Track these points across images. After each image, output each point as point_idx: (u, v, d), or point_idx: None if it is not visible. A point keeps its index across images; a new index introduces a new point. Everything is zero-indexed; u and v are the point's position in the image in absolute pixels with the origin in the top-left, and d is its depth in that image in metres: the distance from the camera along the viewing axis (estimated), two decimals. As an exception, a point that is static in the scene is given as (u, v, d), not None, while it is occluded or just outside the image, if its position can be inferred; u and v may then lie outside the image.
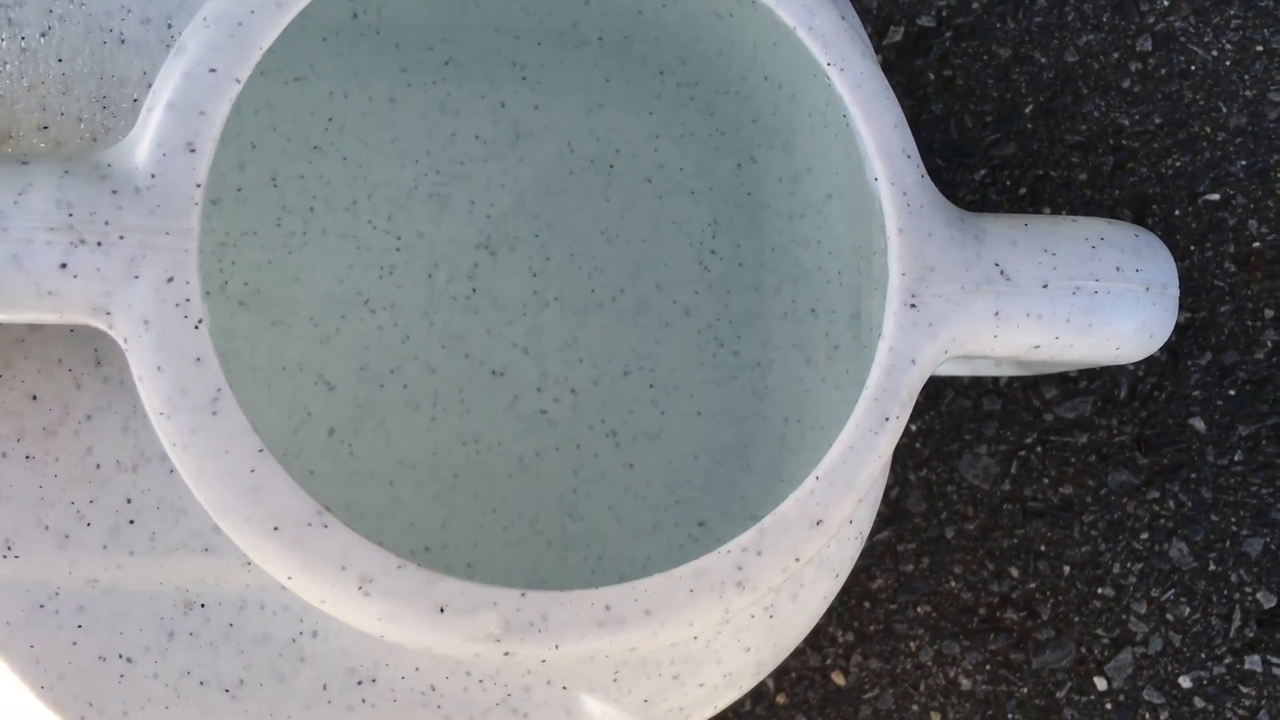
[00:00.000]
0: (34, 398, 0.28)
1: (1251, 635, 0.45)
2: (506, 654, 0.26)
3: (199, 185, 0.26)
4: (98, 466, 0.28)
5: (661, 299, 0.40)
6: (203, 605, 0.28)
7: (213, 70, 0.26)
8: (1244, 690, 0.45)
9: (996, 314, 0.29)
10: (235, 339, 0.37)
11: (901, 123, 0.29)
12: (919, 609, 0.45)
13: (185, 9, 0.29)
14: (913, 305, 0.28)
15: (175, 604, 0.28)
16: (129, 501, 0.28)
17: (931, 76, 0.48)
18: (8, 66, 0.29)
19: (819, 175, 0.38)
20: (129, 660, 0.28)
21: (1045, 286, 0.29)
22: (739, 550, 0.27)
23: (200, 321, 0.25)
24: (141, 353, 0.25)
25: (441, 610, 0.26)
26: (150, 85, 0.29)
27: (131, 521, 0.28)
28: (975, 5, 0.49)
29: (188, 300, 0.25)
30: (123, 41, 0.29)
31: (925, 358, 0.28)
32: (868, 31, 0.45)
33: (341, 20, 0.38)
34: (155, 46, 0.29)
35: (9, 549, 0.28)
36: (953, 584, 0.45)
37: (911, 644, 0.45)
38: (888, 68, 0.49)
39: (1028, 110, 0.48)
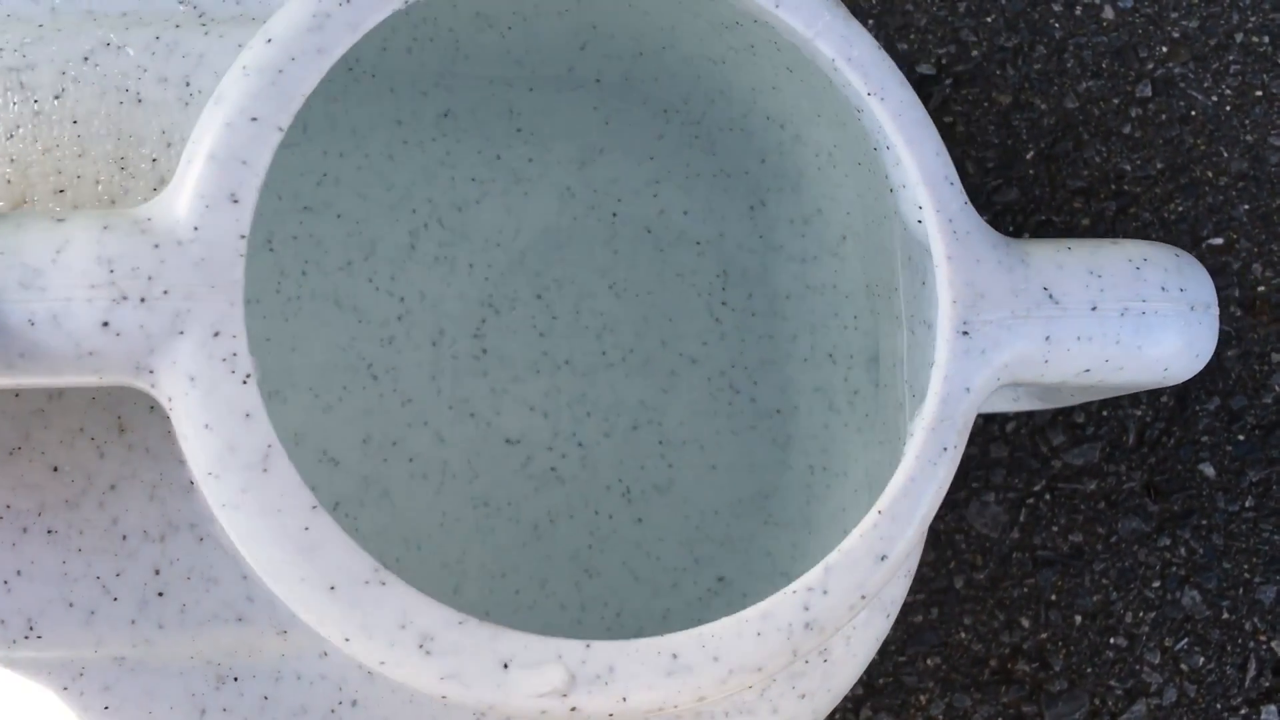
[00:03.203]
0: (55, 469, 0.27)
1: (1268, 685, 0.45)
2: (573, 709, 0.25)
3: (243, 237, 0.25)
4: (124, 538, 0.27)
5: (669, 352, 0.40)
6: (235, 679, 0.27)
7: (254, 119, 0.25)
8: (1260, 740, 0.45)
9: (1047, 338, 0.29)
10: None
11: (942, 150, 0.29)
12: (929, 661, 0.45)
13: (204, 66, 0.28)
14: (965, 332, 0.28)
15: (207, 679, 0.27)
16: (157, 573, 0.27)
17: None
18: (20, 130, 0.28)
19: (829, 216, 0.38)
20: None
21: (1094, 309, 0.29)
22: (805, 590, 0.26)
23: (248, 376, 0.25)
24: (188, 411, 0.24)
25: (506, 666, 0.25)
26: (170, 144, 0.28)
27: (160, 594, 0.27)
28: (975, 53, 0.49)
29: (234, 355, 0.25)
30: (140, 101, 0.28)
31: (979, 385, 0.28)
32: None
33: (335, 72, 0.38)
34: (174, 105, 0.28)
35: (31, 629, 0.26)
36: (963, 635, 0.45)
37: (922, 697, 0.44)
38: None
39: (1029, 156, 0.48)
